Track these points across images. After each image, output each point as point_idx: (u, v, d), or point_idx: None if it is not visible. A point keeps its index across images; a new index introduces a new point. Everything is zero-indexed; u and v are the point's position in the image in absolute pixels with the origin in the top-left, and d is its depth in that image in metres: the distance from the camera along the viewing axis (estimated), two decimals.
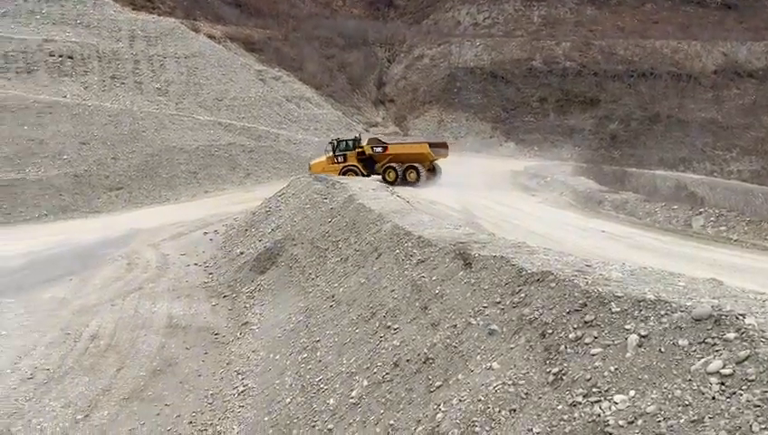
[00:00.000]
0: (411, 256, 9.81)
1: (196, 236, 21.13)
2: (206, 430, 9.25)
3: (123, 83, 36.10)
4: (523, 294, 6.53)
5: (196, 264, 17.85)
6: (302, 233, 15.86)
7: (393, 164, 26.72)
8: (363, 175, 26.52)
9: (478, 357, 6.22)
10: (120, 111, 31.71)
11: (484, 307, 6.89)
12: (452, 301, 7.60)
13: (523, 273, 6.82)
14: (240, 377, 10.66)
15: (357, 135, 29.23)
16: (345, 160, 27.23)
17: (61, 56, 34.58)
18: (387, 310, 8.96)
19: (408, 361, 7.27)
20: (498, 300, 6.78)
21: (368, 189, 17.55)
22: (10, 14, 34.85)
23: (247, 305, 14.18)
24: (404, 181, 25.83)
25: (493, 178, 30.13)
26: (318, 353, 9.64)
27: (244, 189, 29.98)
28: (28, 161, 26.87)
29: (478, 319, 6.78)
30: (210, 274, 16.93)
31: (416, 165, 26.59)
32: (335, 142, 28.12)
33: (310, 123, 42.25)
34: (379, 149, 27.58)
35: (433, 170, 27.98)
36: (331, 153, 27.61)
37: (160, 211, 25.89)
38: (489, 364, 5.93)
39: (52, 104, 29.86)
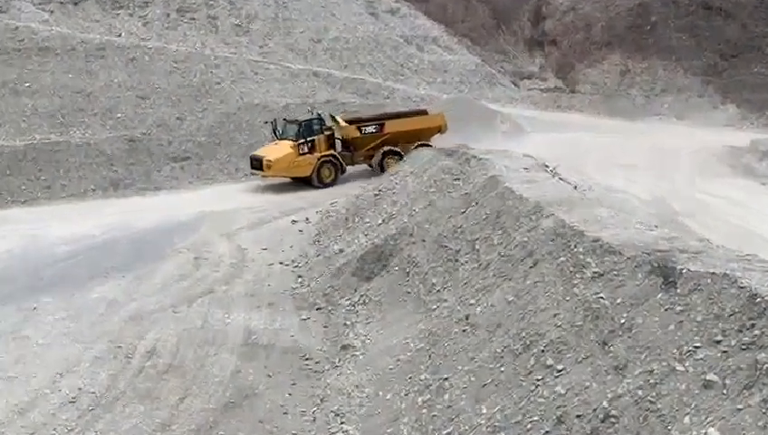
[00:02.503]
0: (584, 266, 9.63)
1: (281, 224, 21.88)
2: None
3: (193, 19, 37.95)
4: (757, 331, 6.32)
5: (281, 262, 18.46)
6: (423, 227, 15.98)
7: (393, 147, 27.36)
8: (343, 169, 27.45)
9: (686, 419, 6.08)
10: (188, 55, 33.24)
11: (697, 347, 6.72)
12: (646, 335, 7.44)
13: (759, 300, 6.57)
14: (338, 419, 10.92)
15: (318, 113, 28.63)
16: (314, 149, 27.19)
17: None
18: (547, 342, 8.85)
19: (578, 416, 7.19)
20: (719, 338, 6.60)
21: (518, 168, 17.37)
22: None
23: (348, 323, 14.51)
24: None
25: (701, 157, 29.17)
26: (446, 396, 9.69)
27: None
28: (73, 120, 28.76)
29: (687, 364, 6.62)
30: (299, 277, 17.46)
31: (429, 143, 26.93)
32: (280, 125, 27.86)
33: (436, 74, 42.42)
34: (371, 129, 27.78)
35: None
36: (286, 140, 27.32)
37: (237, 190, 26.98)
38: (704, 430, 5.78)
39: (103, 45, 31.78)
